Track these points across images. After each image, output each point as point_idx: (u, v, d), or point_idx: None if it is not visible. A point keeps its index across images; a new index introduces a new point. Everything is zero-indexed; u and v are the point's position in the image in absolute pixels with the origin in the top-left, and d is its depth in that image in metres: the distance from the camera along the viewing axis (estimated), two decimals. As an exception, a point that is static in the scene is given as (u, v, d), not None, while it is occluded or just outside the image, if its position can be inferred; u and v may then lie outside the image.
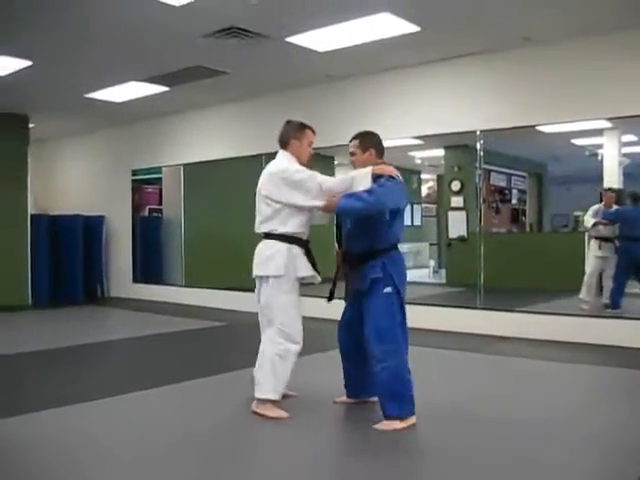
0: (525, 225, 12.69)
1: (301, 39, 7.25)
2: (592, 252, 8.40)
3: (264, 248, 4.35)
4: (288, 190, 4.24)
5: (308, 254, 4.40)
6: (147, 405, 4.77)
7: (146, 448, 3.77)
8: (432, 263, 14.41)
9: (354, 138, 4.54)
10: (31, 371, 5.97)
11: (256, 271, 4.38)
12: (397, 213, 4.20)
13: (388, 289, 4.13)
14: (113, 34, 7.00)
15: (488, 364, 6.23)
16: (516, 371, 5.95)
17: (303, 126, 4.60)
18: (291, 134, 4.54)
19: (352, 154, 4.46)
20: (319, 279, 4.44)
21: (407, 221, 14.86)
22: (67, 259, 11.88)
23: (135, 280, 12.31)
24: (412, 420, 4.10)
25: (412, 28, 6.87)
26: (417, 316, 8.04)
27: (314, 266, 4.40)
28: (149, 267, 12.35)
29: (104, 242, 12.63)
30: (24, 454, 3.67)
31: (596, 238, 8.39)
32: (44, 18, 6.43)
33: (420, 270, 13.96)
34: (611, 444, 3.81)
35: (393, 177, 4.23)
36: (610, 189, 8.36)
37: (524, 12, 6.47)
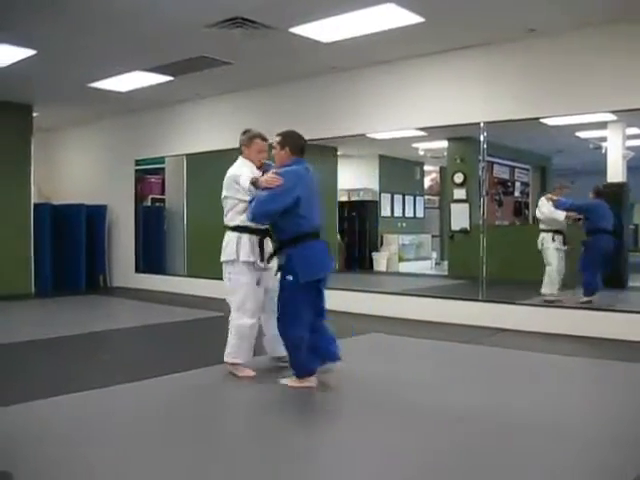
0: (528, 218, 12.69)
1: (305, 30, 7.24)
2: (556, 246, 8.44)
3: (224, 238, 5.21)
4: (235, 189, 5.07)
5: (261, 243, 5.11)
6: (147, 394, 4.78)
7: (145, 436, 3.79)
8: (434, 255, 14.44)
9: (278, 135, 5.05)
10: (32, 360, 5.97)
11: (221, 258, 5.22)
12: (296, 207, 4.69)
13: (289, 277, 4.73)
14: (117, 23, 6.99)
15: (488, 356, 6.24)
16: (515, 363, 5.96)
17: (253, 137, 5.31)
18: (244, 142, 5.33)
19: (273, 147, 5.04)
20: (261, 265, 5.11)
21: (409, 213, 14.91)
22: (70, 248, 11.90)
23: (137, 270, 12.33)
24: (309, 382, 4.81)
25: (416, 19, 6.86)
26: (419, 308, 8.15)
27: (261, 253, 5.10)
28: (151, 257, 12.37)
29: (107, 231, 12.64)
30: (24, 442, 3.67)
31: (557, 232, 8.47)
32: (48, 7, 6.42)
33: (422, 262, 13.98)
34: (611, 439, 3.79)
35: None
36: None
37: (528, 3, 6.45)
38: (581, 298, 7.90)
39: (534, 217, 12.63)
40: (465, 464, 3.39)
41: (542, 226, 8.57)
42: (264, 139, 5.31)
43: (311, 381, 4.83)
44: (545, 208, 8.49)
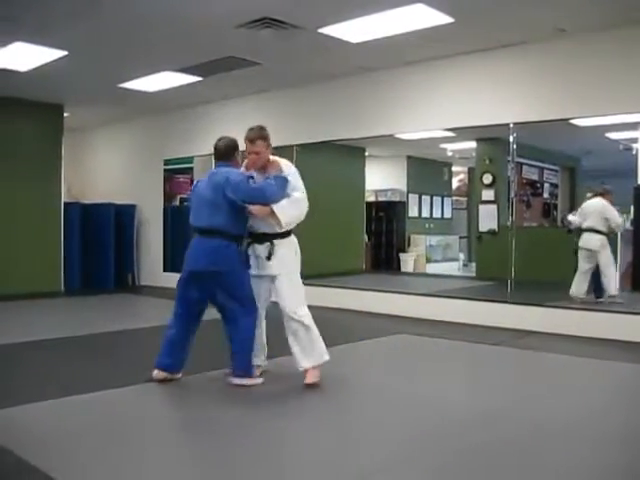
0: (556, 220, 12.57)
1: (334, 30, 7.24)
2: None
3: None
4: None
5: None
6: (167, 394, 4.82)
7: (169, 435, 3.82)
8: (462, 256, 14.37)
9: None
10: (59, 357, 6.02)
11: None
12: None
13: None
14: (147, 24, 7.06)
15: (516, 358, 6.21)
16: (543, 366, 5.93)
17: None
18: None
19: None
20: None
21: (437, 213, 14.86)
22: (99, 247, 12.03)
23: (165, 269, 12.40)
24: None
25: (445, 19, 6.83)
26: (446, 309, 8.12)
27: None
28: (180, 256, 12.31)
29: (135, 231, 12.76)
30: (46, 439, 3.73)
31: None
32: (79, 8, 6.50)
33: (450, 263, 13.92)
34: (623, 441, 3.79)
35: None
36: None
37: (558, 3, 6.40)
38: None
39: (562, 219, 12.57)
40: (482, 465, 3.38)
41: (601, 228, 8.40)
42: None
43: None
44: (615, 212, 8.39)
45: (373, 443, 3.73)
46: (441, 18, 6.80)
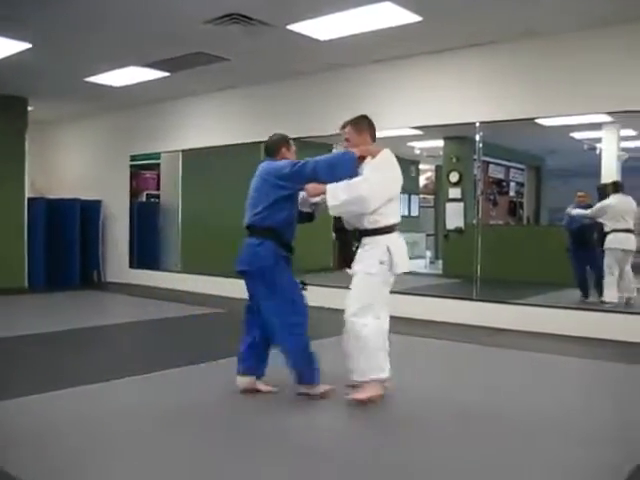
0: (522, 218, 12.71)
1: (303, 27, 7.23)
2: None
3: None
4: None
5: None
6: (141, 390, 4.79)
7: (140, 432, 3.80)
8: (429, 254, 14.44)
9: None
10: (26, 355, 5.96)
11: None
12: None
13: None
14: (114, 18, 6.98)
15: (481, 355, 6.27)
16: (509, 363, 5.99)
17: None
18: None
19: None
20: None
21: (404, 211, 14.91)
22: (64, 243, 11.88)
23: (132, 265, 12.31)
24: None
25: (414, 18, 6.86)
26: (412, 306, 8.15)
27: None
28: (146, 252, 12.35)
29: (101, 227, 12.63)
30: (17, 437, 3.68)
31: None
32: (44, 0, 6.40)
33: (417, 261, 13.98)
34: (604, 438, 3.82)
35: None
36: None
37: (526, 4, 6.46)
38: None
39: (528, 217, 12.72)
40: (460, 461, 3.41)
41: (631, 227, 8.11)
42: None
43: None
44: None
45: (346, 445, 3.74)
46: (409, 17, 6.82)
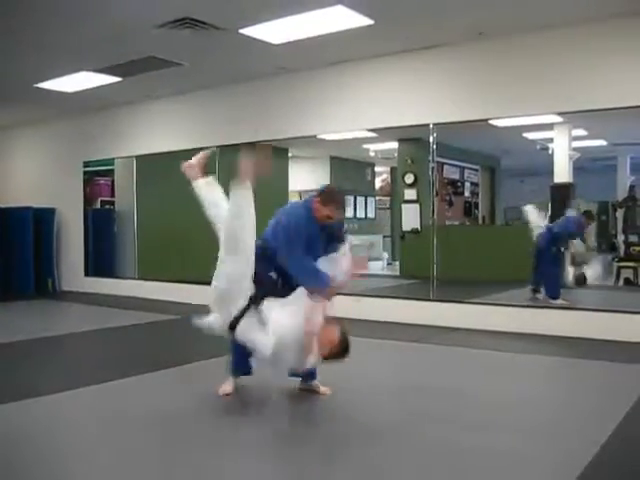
0: (478, 218, 12.86)
1: (255, 31, 7.22)
2: None
3: None
4: None
5: None
6: (100, 398, 4.72)
7: (104, 438, 3.75)
8: (386, 255, 14.52)
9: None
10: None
11: None
12: None
13: None
14: (64, 21, 6.87)
15: (435, 354, 6.35)
16: (463, 360, 6.07)
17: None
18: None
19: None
20: None
21: (361, 213, 14.97)
22: (17, 252, 11.65)
23: (87, 273, 12.14)
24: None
25: (366, 21, 6.90)
26: (370, 308, 8.18)
27: None
28: (101, 260, 12.19)
29: (55, 235, 12.40)
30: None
31: None
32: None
33: (374, 262, 14.05)
34: (561, 432, 3.88)
35: None
36: None
37: (477, 7, 6.54)
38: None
39: (484, 217, 12.88)
40: (414, 451, 3.43)
41: None
42: None
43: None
44: None
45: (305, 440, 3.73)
46: (361, 20, 6.86)
